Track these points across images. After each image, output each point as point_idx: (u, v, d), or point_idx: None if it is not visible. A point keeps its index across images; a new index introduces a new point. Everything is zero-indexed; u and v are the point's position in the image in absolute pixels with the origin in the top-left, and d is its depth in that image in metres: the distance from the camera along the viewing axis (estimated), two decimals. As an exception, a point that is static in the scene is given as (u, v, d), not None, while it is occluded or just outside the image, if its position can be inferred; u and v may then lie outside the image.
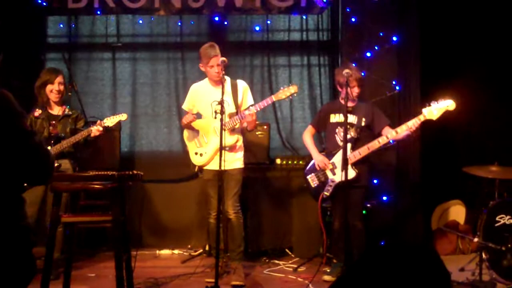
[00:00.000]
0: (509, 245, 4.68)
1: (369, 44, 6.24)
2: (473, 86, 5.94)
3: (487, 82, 6.07)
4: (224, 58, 4.70)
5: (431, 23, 6.24)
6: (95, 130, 4.97)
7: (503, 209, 4.87)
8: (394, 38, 6.20)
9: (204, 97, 4.97)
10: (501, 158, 5.04)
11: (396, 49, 6.25)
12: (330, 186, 4.99)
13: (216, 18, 6.57)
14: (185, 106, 5.11)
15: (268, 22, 6.72)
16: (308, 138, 5.29)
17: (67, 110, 5.21)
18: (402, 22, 6.28)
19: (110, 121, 5.05)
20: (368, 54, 6.18)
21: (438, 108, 4.74)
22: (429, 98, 4.87)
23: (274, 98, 4.81)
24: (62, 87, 5.13)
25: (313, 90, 6.71)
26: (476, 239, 4.91)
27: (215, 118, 4.81)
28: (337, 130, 5.10)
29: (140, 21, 6.74)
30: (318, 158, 5.12)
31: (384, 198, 5.99)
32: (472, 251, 5.67)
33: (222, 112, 4.50)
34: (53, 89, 5.09)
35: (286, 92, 4.78)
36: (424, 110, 4.78)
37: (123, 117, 5.11)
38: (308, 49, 6.75)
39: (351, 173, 4.92)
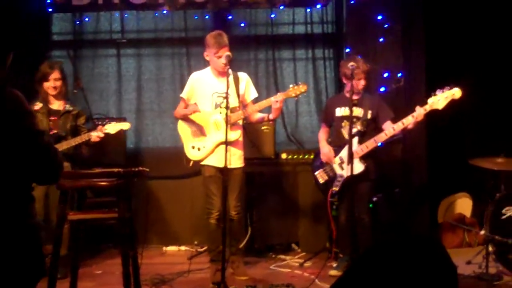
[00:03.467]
0: (516, 238, 4.67)
1: (374, 36, 6.22)
2: (480, 78, 5.90)
3: (494, 73, 6.03)
4: (229, 53, 4.68)
5: (436, 13, 6.20)
6: (95, 136, 4.92)
7: (509, 201, 4.84)
8: (399, 30, 6.18)
9: (205, 87, 4.85)
10: (508, 149, 5.02)
11: (401, 40, 6.23)
12: (339, 181, 4.98)
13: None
14: (184, 94, 4.94)
15: (272, 15, 6.70)
16: (320, 134, 5.31)
17: (67, 106, 5.16)
18: (407, 14, 6.26)
19: (112, 128, 4.96)
20: (373, 46, 6.16)
21: (444, 96, 4.68)
22: (435, 89, 4.84)
23: (283, 95, 4.75)
24: (58, 83, 5.09)
25: (318, 83, 6.70)
26: (482, 232, 4.90)
27: (220, 112, 4.76)
28: (343, 124, 5.08)
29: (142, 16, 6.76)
30: (323, 151, 5.12)
31: (390, 191, 5.97)
32: (478, 244, 5.63)
33: (227, 107, 4.46)
34: (49, 86, 5.08)
35: (296, 90, 4.74)
36: (430, 100, 4.74)
37: (125, 126, 5.04)
38: (312, 42, 6.74)
39: (360, 167, 4.91)
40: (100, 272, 5.21)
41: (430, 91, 4.96)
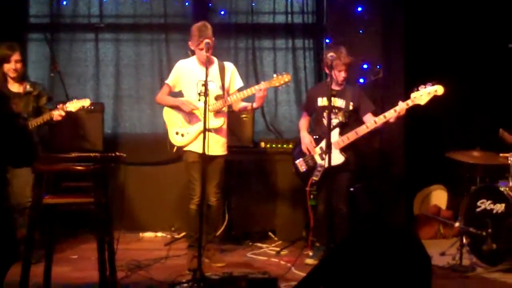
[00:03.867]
0: (490, 230, 4.72)
1: (354, 27, 6.24)
2: (458, 73, 5.96)
3: (471, 68, 6.09)
4: (208, 40, 4.68)
5: (416, 7, 6.24)
6: (57, 115, 4.85)
7: (484, 194, 4.90)
8: (379, 22, 6.22)
9: (191, 76, 4.90)
10: (484, 143, 5.08)
11: (381, 33, 6.27)
12: (319, 171, 4.97)
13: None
14: (169, 81, 5.00)
15: (253, 4, 6.68)
16: (301, 122, 5.31)
17: (28, 87, 5.04)
18: (387, 6, 6.29)
19: (72, 106, 4.89)
20: (353, 38, 6.17)
21: (426, 92, 4.71)
22: (413, 84, 4.87)
23: (267, 84, 4.80)
24: (19, 65, 4.97)
25: (297, 73, 6.69)
26: (457, 224, 4.96)
27: (199, 100, 4.78)
28: (324, 114, 5.04)
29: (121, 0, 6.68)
30: (304, 141, 5.13)
31: (369, 182, 6.02)
32: (453, 236, 5.72)
33: (206, 94, 4.47)
34: (10, 68, 4.94)
35: (280, 80, 4.78)
36: (412, 95, 4.75)
37: (86, 102, 4.95)
38: (292, 32, 6.73)
39: (340, 158, 4.93)
40: (76, 257, 5.17)
41: (409, 84, 4.99)
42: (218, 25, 6.33)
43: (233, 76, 5.01)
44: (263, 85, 4.81)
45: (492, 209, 4.82)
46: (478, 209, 4.90)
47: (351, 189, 5.58)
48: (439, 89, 4.72)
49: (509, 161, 4.88)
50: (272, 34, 6.77)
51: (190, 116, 4.90)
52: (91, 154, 3.88)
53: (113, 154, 3.86)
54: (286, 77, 4.79)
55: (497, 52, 6.01)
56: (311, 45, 6.74)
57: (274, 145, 6.09)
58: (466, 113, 6.17)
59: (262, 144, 6.11)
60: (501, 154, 4.97)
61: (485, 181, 5.06)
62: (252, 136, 6.07)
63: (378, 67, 6.13)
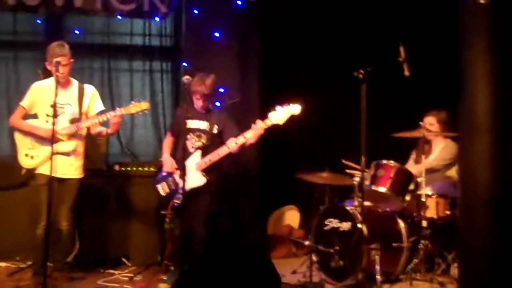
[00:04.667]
0: (337, 248, 4.94)
1: (211, 51, 6.31)
2: (308, 97, 6.21)
3: (320, 94, 6.35)
4: (58, 59, 4.61)
5: (271, 36, 6.44)
6: None
7: (331, 213, 5.15)
8: (236, 47, 6.35)
9: (46, 97, 4.78)
10: (332, 165, 5.33)
11: (237, 57, 6.39)
12: (181, 193, 4.91)
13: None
14: (24, 104, 4.88)
15: (109, 24, 6.52)
16: (164, 143, 5.28)
17: None
18: (243, 32, 6.44)
19: None
20: (210, 61, 6.24)
21: (284, 112, 4.79)
22: (268, 107, 4.98)
23: (123, 111, 4.79)
24: None
25: (155, 96, 6.64)
26: (307, 243, 5.14)
27: (47, 121, 4.65)
28: (188, 137, 5.02)
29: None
30: (166, 163, 5.07)
31: (228, 204, 6.06)
32: (305, 254, 5.91)
33: (54, 116, 4.41)
34: None
35: (137, 107, 4.79)
36: (270, 115, 4.82)
37: None
38: (150, 55, 6.67)
39: (201, 180, 4.93)
40: None
41: (265, 107, 5.10)
42: (72, 45, 6.09)
43: (93, 99, 4.96)
44: (119, 111, 4.81)
45: (339, 227, 5.06)
46: (326, 228, 5.12)
47: (212, 210, 5.58)
48: (296, 110, 4.79)
49: (354, 182, 5.16)
50: (129, 56, 6.67)
51: (40, 138, 4.77)
52: None
53: None
54: (144, 105, 4.81)
55: (344, 78, 6.35)
56: (168, 68, 6.72)
57: (129, 168, 5.95)
58: (316, 135, 6.43)
59: (117, 167, 5.94)
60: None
61: (333, 201, 5.31)
62: (105, 158, 5.91)
63: (233, 91, 6.22)
